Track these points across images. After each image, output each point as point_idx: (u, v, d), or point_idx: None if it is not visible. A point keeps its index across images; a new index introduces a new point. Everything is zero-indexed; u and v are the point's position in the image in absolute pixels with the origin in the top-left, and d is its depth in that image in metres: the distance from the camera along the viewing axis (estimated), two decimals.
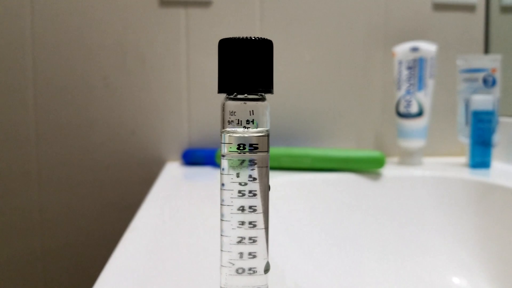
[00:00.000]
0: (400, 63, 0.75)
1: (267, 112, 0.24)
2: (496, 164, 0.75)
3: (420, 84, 0.73)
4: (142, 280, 0.30)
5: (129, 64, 0.76)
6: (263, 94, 0.24)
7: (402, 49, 0.75)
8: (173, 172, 0.70)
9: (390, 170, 0.69)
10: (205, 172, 0.70)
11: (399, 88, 0.75)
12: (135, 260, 0.34)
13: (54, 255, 0.77)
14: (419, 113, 0.73)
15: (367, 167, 0.66)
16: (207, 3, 0.76)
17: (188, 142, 0.78)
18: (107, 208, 0.78)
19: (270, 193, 0.59)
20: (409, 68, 0.74)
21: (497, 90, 0.73)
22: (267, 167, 0.25)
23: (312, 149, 0.70)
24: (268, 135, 0.25)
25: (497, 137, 0.73)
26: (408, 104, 0.73)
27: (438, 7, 0.82)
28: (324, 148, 0.74)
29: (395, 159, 0.79)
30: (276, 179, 0.63)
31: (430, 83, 0.73)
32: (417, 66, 0.73)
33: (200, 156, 0.74)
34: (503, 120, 0.75)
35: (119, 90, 0.76)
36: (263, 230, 0.25)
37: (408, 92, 0.74)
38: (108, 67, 0.76)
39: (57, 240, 0.77)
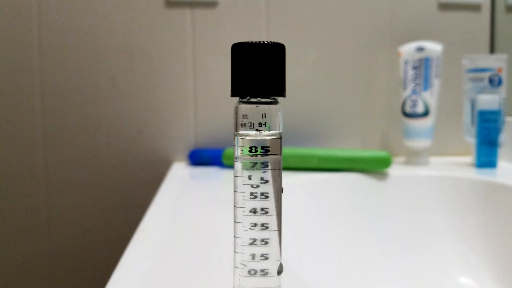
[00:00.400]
0: (405, 63, 0.75)
1: (280, 115, 0.25)
2: (502, 163, 0.75)
3: (426, 83, 0.73)
4: (154, 281, 0.30)
5: (136, 65, 0.77)
6: (275, 97, 0.24)
7: (407, 49, 0.75)
8: (180, 173, 0.70)
9: (396, 170, 0.69)
10: (212, 172, 0.70)
11: (405, 88, 0.75)
12: (146, 261, 0.34)
13: (61, 255, 0.78)
14: (425, 113, 0.73)
15: (374, 167, 0.66)
16: (213, 3, 0.77)
17: (195, 142, 0.79)
18: (114, 208, 0.78)
19: None
20: (415, 68, 0.74)
21: (503, 90, 0.73)
22: (279, 169, 0.25)
23: (318, 149, 0.70)
24: (280, 138, 0.25)
25: (503, 137, 0.73)
26: (414, 104, 0.74)
27: (443, 6, 0.82)
28: (330, 148, 0.74)
29: (401, 159, 0.80)
30: (283, 179, 0.63)
31: (436, 82, 0.73)
32: (422, 65, 0.73)
33: (206, 156, 0.75)
34: (509, 119, 0.75)
35: (126, 91, 0.77)
36: (276, 232, 0.25)
37: (414, 92, 0.74)
38: (114, 68, 0.76)
39: (64, 241, 0.78)
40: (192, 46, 0.77)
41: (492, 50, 0.83)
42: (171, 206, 0.52)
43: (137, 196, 0.77)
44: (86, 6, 0.75)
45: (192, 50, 0.77)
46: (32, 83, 0.75)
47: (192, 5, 0.76)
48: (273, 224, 0.25)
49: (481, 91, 0.73)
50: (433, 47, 0.74)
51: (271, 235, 0.25)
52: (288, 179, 0.64)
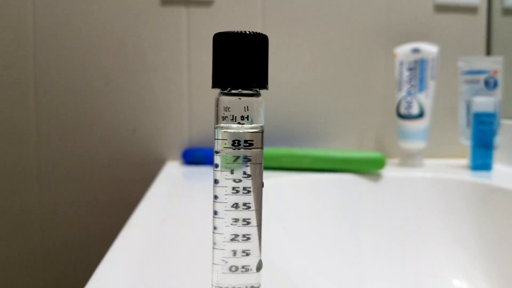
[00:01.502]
0: (401, 64, 0.74)
1: (262, 108, 0.24)
2: (498, 166, 0.74)
3: (421, 85, 0.73)
4: (137, 278, 0.30)
5: (130, 63, 0.76)
6: (257, 89, 0.24)
7: (403, 50, 0.75)
8: (172, 171, 0.70)
9: (390, 171, 0.68)
10: (205, 172, 0.70)
11: (400, 89, 0.74)
12: (130, 257, 0.34)
13: (54, 253, 0.77)
14: (420, 115, 0.73)
15: (367, 168, 0.66)
16: (208, 2, 0.76)
17: (189, 141, 0.78)
18: (107, 206, 0.77)
19: (270, 192, 0.59)
20: (410, 69, 0.73)
21: (498, 92, 0.72)
22: (261, 163, 0.25)
23: (312, 149, 0.70)
24: (262, 132, 0.24)
25: (499, 139, 0.72)
26: (409, 105, 0.73)
27: (440, 8, 0.82)
28: (325, 149, 0.74)
29: (396, 160, 0.79)
30: (276, 179, 0.63)
31: (431, 84, 0.73)
32: (418, 67, 0.73)
33: (200, 155, 0.74)
34: (504, 122, 0.74)
35: (120, 89, 0.76)
36: (257, 228, 0.25)
37: (409, 93, 0.73)
38: (109, 66, 0.76)
39: (57, 239, 0.77)
40: (187, 45, 0.77)
41: (488, 52, 0.83)
42: (161, 204, 0.51)
43: (131, 194, 0.77)
44: (81, 3, 0.75)
45: (187, 48, 0.77)
46: (26, 80, 0.75)
47: (187, 3, 0.76)
48: (254, 220, 0.25)
49: (477, 93, 0.73)
50: (429, 49, 0.73)
51: (252, 230, 0.25)
52: (282, 179, 0.64)
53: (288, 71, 0.79)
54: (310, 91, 0.80)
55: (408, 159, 0.74)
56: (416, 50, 0.73)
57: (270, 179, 0.62)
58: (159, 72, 0.77)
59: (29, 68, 0.75)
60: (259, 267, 0.25)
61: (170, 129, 0.78)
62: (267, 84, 0.24)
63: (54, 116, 0.76)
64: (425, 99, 0.73)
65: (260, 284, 0.25)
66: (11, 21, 0.74)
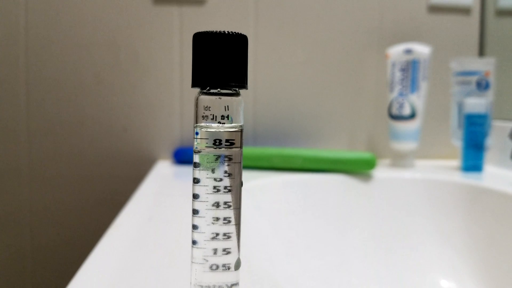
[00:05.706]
0: (393, 64, 0.74)
1: (241, 108, 0.24)
2: (488, 167, 0.74)
3: (413, 86, 0.73)
4: (119, 276, 0.30)
5: (122, 62, 0.76)
6: (237, 89, 0.24)
7: (395, 51, 0.75)
8: (163, 171, 0.70)
9: (381, 172, 0.68)
10: None
11: (392, 90, 0.74)
12: (114, 256, 0.34)
13: (43, 251, 0.77)
14: (412, 115, 0.73)
15: (358, 168, 0.66)
16: (201, 1, 0.76)
17: (180, 140, 0.78)
18: (98, 205, 0.77)
19: (261, 192, 0.59)
20: (402, 70, 0.73)
21: (490, 94, 0.72)
22: (240, 163, 0.25)
23: (303, 149, 0.70)
24: (242, 131, 0.24)
25: (490, 141, 0.73)
26: (401, 106, 0.73)
27: (433, 9, 0.82)
28: (316, 149, 0.74)
29: (387, 161, 0.79)
30: (267, 178, 0.63)
31: (423, 85, 0.73)
32: (410, 68, 0.73)
33: (191, 155, 0.74)
34: (496, 123, 0.74)
35: (112, 87, 0.76)
36: (236, 226, 0.25)
37: (400, 94, 0.73)
38: (101, 64, 0.76)
39: (47, 237, 0.77)
40: (179, 44, 0.77)
41: (481, 53, 0.83)
42: (150, 203, 0.51)
43: (121, 193, 0.77)
44: (73, 1, 0.75)
45: (179, 47, 0.77)
46: (17, 78, 0.74)
47: (180, 2, 0.76)
48: (234, 218, 0.25)
49: (469, 94, 0.73)
50: (421, 50, 0.73)
51: (233, 229, 0.25)
52: (273, 179, 0.64)
53: (280, 71, 0.79)
54: (302, 91, 0.80)
55: (400, 160, 0.74)
56: (408, 51, 0.74)
57: (261, 179, 0.62)
58: (150, 71, 0.77)
59: (20, 66, 0.74)
60: (237, 266, 0.25)
61: (162, 128, 0.78)
62: (247, 84, 0.24)
63: (44, 114, 0.75)
64: (417, 100, 0.73)
65: (238, 283, 0.25)
66: (2, 19, 0.74)
